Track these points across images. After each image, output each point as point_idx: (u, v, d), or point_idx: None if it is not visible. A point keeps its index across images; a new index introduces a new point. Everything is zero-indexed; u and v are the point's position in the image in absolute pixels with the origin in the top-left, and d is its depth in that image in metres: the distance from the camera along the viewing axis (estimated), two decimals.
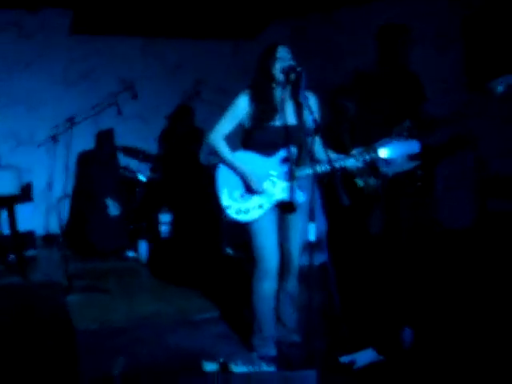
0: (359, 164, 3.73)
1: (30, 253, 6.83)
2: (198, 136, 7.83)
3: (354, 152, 3.79)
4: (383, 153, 3.68)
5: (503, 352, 3.91)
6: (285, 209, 3.87)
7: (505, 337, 4.15)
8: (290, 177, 3.74)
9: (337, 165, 3.67)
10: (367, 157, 3.72)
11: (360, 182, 4.54)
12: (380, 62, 4.98)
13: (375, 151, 3.69)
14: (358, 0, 7.41)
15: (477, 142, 6.64)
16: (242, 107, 3.84)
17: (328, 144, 3.71)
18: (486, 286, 5.29)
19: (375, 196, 4.78)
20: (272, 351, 3.93)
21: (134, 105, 7.76)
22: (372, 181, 4.67)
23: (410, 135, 4.61)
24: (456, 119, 4.55)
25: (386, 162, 4.46)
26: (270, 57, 3.79)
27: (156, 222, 7.17)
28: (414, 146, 3.72)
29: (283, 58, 3.74)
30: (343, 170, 3.75)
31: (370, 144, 4.72)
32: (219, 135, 3.88)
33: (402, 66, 4.95)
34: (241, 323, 4.40)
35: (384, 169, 4.61)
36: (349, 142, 4.85)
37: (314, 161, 3.63)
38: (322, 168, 3.67)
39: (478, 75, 6.92)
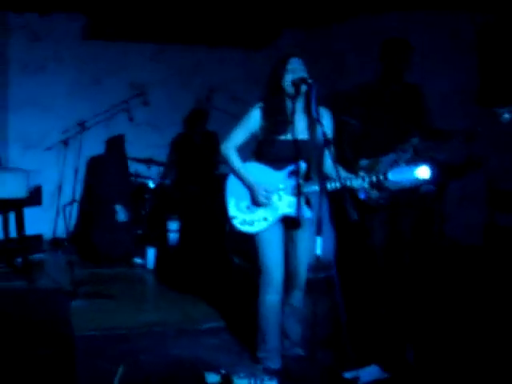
0: (365, 185, 3.69)
1: (37, 256, 6.83)
2: (212, 143, 7.81)
3: (361, 173, 3.76)
4: (392, 177, 3.63)
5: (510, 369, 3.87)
6: (290, 224, 3.84)
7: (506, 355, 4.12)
8: (297, 192, 3.72)
9: (347, 183, 3.65)
10: (374, 178, 3.67)
11: (362, 195, 4.52)
12: (382, 77, 4.98)
13: (385, 176, 3.64)
14: (369, 11, 7.37)
15: (487, 164, 6.61)
16: (254, 119, 3.84)
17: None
18: (493, 302, 5.25)
19: (377, 208, 4.76)
20: (276, 364, 3.90)
21: (145, 111, 7.79)
22: (374, 194, 4.64)
23: (415, 152, 4.60)
24: (464, 134, 4.52)
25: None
26: (281, 68, 3.77)
27: (164, 229, 7.15)
28: (425, 169, 3.66)
29: (294, 69, 3.72)
30: (351, 188, 3.72)
31: (375, 157, 4.74)
32: (231, 145, 3.89)
33: (403, 79, 4.95)
34: (246, 334, 4.36)
35: (387, 184, 4.58)
36: (351, 157, 4.84)
37: (323, 176, 3.61)
38: (330, 185, 3.65)
39: (491, 90, 6.89)
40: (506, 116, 4.14)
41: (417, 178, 3.65)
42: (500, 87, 6.84)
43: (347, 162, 4.65)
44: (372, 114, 4.88)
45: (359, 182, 3.68)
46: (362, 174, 3.74)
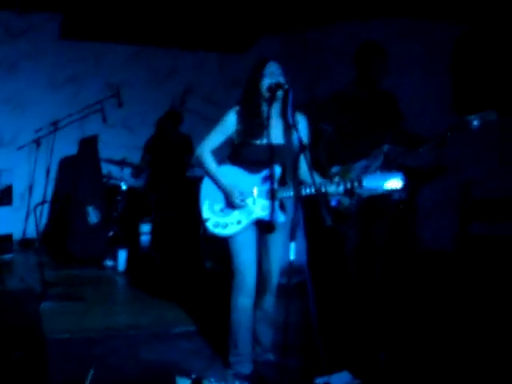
0: (340, 190, 3.69)
1: (7, 257, 6.74)
2: (185, 145, 7.79)
3: (335, 179, 3.75)
4: (366, 183, 3.64)
5: (483, 374, 3.90)
6: (264, 227, 3.83)
7: (483, 358, 4.15)
8: (271, 196, 3.71)
9: (322, 189, 3.64)
10: (348, 185, 3.67)
11: (333, 202, 4.53)
12: (357, 82, 5.00)
13: (359, 182, 3.64)
14: (350, 17, 7.41)
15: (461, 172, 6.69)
16: (230, 123, 3.82)
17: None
18: (464, 308, 5.29)
19: (348, 215, 4.77)
20: (247, 369, 3.88)
21: (119, 112, 7.74)
22: (346, 200, 4.65)
23: (387, 158, 4.62)
24: (436, 141, 4.54)
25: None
26: (258, 72, 3.77)
27: (136, 232, 7.10)
28: (396, 180, 3.67)
29: (272, 73, 3.72)
30: (325, 194, 3.71)
31: (347, 163, 4.75)
32: (207, 148, 3.88)
33: (377, 85, 4.97)
34: (217, 339, 4.33)
35: (359, 190, 4.60)
36: (325, 161, 4.85)
37: (298, 182, 3.61)
38: (306, 191, 3.64)
39: (466, 98, 6.96)
40: (475, 123, 4.18)
41: (390, 187, 3.66)
42: (475, 94, 6.91)
43: (321, 167, 4.66)
44: (346, 120, 4.89)
45: (334, 188, 3.67)
46: (336, 179, 3.74)
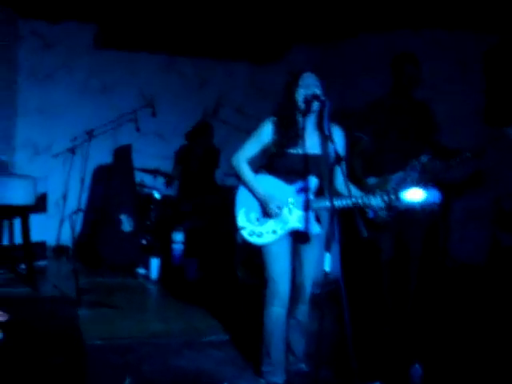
0: (381, 204, 3.70)
1: (41, 263, 6.83)
2: (215, 155, 7.85)
3: (378, 192, 3.76)
4: (405, 196, 3.66)
5: None
6: (298, 238, 3.85)
7: None
8: (306, 207, 3.73)
9: (359, 201, 3.66)
10: (387, 198, 3.69)
11: (370, 213, 4.53)
12: (392, 93, 5.01)
13: (397, 196, 3.66)
14: (378, 28, 7.41)
15: (494, 181, 6.64)
16: (265, 133, 3.86)
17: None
18: (496, 322, 5.25)
19: (384, 226, 4.77)
20: (280, 379, 3.89)
21: (152, 121, 7.81)
22: (383, 212, 4.66)
23: (424, 170, 4.61)
24: (473, 154, 4.54)
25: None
26: (294, 83, 3.80)
27: (169, 241, 7.14)
28: (434, 197, 3.69)
29: (308, 85, 3.74)
30: (364, 206, 3.72)
31: (384, 175, 4.75)
32: (243, 157, 3.91)
33: (411, 93, 4.98)
34: (250, 348, 4.35)
35: (396, 203, 4.60)
36: (360, 172, 4.86)
37: (334, 194, 3.63)
38: (342, 202, 3.66)
39: (497, 110, 6.92)
40: None
41: (425, 200, 3.67)
42: (507, 106, 6.87)
43: (356, 177, 4.67)
44: (383, 129, 4.90)
45: (377, 201, 3.69)
46: (379, 192, 3.75)
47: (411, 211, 4.62)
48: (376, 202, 3.70)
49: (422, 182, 4.03)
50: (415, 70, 4.93)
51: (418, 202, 3.68)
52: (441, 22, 7.00)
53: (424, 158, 4.71)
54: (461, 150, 4.61)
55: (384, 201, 3.68)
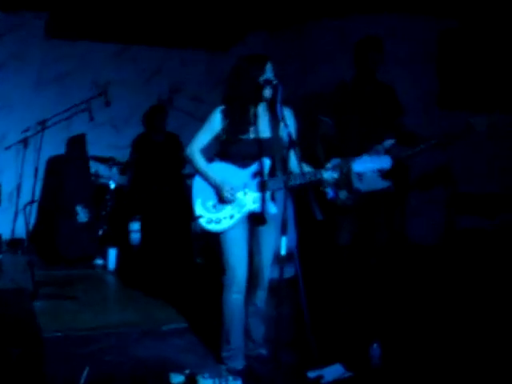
0: (335, 176, 3.75)
1: None
2: (174, 143, 7.79)
3: (328, 165, 3.81)
4: (355, 166, 3.71)
5: (471, 367, 3.95)
6: (256, 220, 3.86)
7: (472, 351, 4.20)
8: (262, 188, 3.75)
9: (312, 177, 3.68)
10: (337, 169, 3.74)
11: (330, 193, 4.56)
12: (356, 76, 5.03)
13: (348, 165, 3.71)
14: (335, 14, 7.44)
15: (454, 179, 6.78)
16: (217, 121, 3.86)
17: (302, 157, 3.73)
18: (452, 301, 5.35)
19: (344, 209, 4.81)
20: (240, 364, 3.91)
21: (106, 111, 7.73)
22: (343, 194, 4.70)
23: (389, 155, 4.65)
24: (439, 142, 4.59)
25: (359, 176, 4.50)
26: (244, 68, 3.80)
27: (126, 230, 7.10)
28: (385, 162, 3.75)
29: (258, 69, 3.74)
30: (318, 182, 3.75)
31: (347, 157, 4.78)
32: (196, 147, 3.92)
33: (377, 79, 5.01)
34: (210, 335, 4.36)
35: (357, 185, 4.63)
36: (322, 155, 4.87)
37: (288, 173, 3.66)
38: (295, 181, 3.68)
39: (451, 94, 7.03)
40: (482, 125, 4.24)
41: (379, 168, 3.73)
42: (460, 91, 6.98)
43: (318, 159, 4.69)
44: (346, 115, 4.93)
45: (329, 174, 3.73)
46: (329, 165, 3.79)
47: (373, 195, 4.69)
48: (328, 175, 3.74)
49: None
50: (379, 55, 4.96)
51: (370, 170, 3.73)
52: (397, 7, 7.06)
53: (388, 143, 4.74)
54: (426, 137, 4.66)
55: (336, 172, 3.73)
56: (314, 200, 3.35)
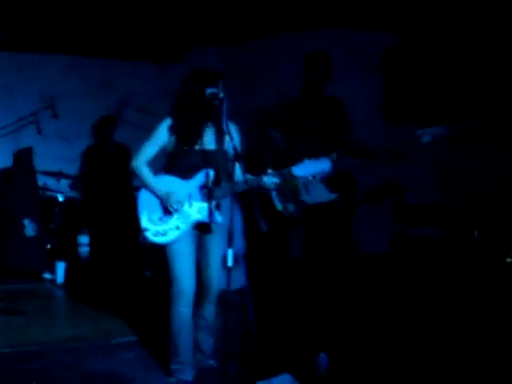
0: (275, 180, 3.81)
1: None
2: (123, 156, 7.74)
3: (269, 170, 3.86)
4: (296, 170, 3.78)
5: (418, 373, 4.03)
6: (202, 230, 3.89)
7: (421, 360, 4.27)
8: (208, 197, 3.78)
9: (253, 183, 3.74)
10: (278, 173, 3.81)
11: (279, 206, 4.61)
12: (304, 90, 5.09)
13: (289, 169, 3.79)
14: (282, 28, 7.54)
15: (403, 192, 6.90)
16: (163, 133, 3.89)
17: (251, 168, 3.78)
18: (404, 308, 5.44)
19: (292, 221, 4.85)
20: (189, 376, 3.90)
21: (54, 124, 7.67)
22: (291, 206, 4.75)
23: (335, 167, 4.71)
24: (389, 153, 4.67)
25: (306, 187, 4.56)
26: (191, 82, 3.86)
27: (74, 244, 7.05)
28: (325, 164, 3.83)
29: (205, 83, 3.78)
30: (260, 187, 3.81)
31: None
32: (142, 160, 3.93)
33: (321, 91, 5.08)
34: (159, 347, 4.35)
35: (304, 197, 4.69)
36: (272, 166, 4.91)
37: (233, 183, 3.70)
38: (239, 188, 3.73)
39: (397, 109, 7.17)
40: (427, 138, 4.34)
41: (319, 171, 3.80)
42: (405, 104, 7.13)
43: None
44: (294, 127, 4.97)
45: (269, 179, 3.80)
46: (270, 171, 3.85)
47: (319, 207, 4.74)
48: (268, 179, 3.80)
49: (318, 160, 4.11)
50: (327, 69, 5.02)
51: (311, 173, 3.80)
52: (342, 21, 7.18)
53: (334, 156, 4.78)
54: (374, 149, 4.73)
55: (276, 177, 3.80)
56: (258, 211, 3.39)
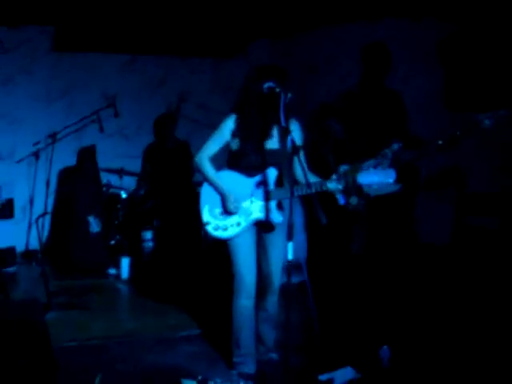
0: (340, 187, 3.78)
1: (10, 270, 6.79)
2: (184, 151, 7.82)
3: (333, 176, 3.82)
4: (360, 179, 3.74)
5: (482, 369, 3.95)
6: (263, 228, 3.91)
7: (484, 353, 4.20)
8: (266, 197, 3.80)
9: (317, 188, 3.71)
10: (342, 180, 3.77)
11: (341, 200, 4.58)
12: (363, 82, 5.05)
13: (354, 177, 3.74)
14: (337, 20, 7.47)
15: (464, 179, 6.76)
16: (227, 130, 3.91)
17: (312, 164, 3.77)
18: (464, 301, 5.34)
19: (357, 214, 4.82)
20: (251, 369, 3.94)
21: (116, 122, 7.79)
22: (354, 200, 4.70)
23: (395, 159, 4.66)
24: (445, 142, 4.59)
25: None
26: (252, 78, 3.86)
27: (138, 239, 7.15)
28: (390, 176, 3.76)
29: (265, 78, 3.77)
30: (323, 192, 3.78)
31: (355, 162, 4.79)
32: (205, 155, 3.98)
33: (382, 84, 5.03)
34: (222, 341, 4.39)
35: (366, 190, 4.65)
36: (333, 162, 4.88)
37: (295, 183, 3.69)
38: (301, 192, 3.72)
39: (457, 96, 7.03)
40: (487, 122, 4.23)
41: (383, 182, 3.74)
42: (465, 92, 6.98)
43: (328, 166, 4.70)
44: (353, 120, 4.95)
45: (333, 185, 3.76)
46: (334, 177, 3.81)
47: (383, 198, 4.69)
48: (332, 185, 3.76)
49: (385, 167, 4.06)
50: (385, 61, 4.97)
51: (376, 183, 3.76)
52: (397, 11, 7.08)
53: (395, 146, 4.74)
54: (432, 139, 4.66)
55: (340, 183, 3.76)
56: (318, 205, 3.38)
